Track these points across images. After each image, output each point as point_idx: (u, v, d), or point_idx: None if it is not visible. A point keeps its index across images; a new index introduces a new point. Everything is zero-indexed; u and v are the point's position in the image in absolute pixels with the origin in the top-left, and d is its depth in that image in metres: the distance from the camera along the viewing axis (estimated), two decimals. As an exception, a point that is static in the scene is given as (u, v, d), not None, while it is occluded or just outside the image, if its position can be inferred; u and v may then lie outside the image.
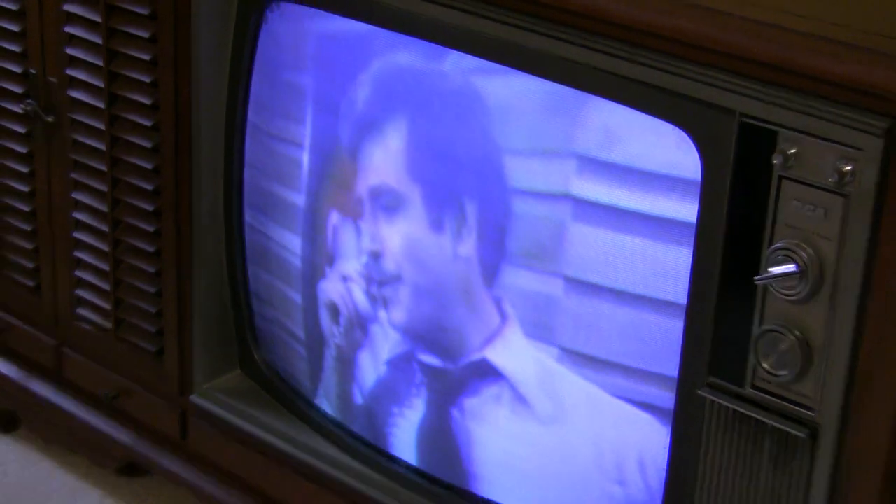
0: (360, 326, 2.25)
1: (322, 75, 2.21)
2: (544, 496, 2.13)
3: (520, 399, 2.08)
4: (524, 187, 1.98)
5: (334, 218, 2.23)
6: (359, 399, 2.32)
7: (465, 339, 2.12)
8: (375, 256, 2.18)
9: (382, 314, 2.20)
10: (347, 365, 2.31)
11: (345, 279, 2.24)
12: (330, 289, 2.27)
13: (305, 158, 2.26)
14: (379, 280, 2.19)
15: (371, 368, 2.27)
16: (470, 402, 2.15)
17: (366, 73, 2.13)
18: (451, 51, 2.01)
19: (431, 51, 2.03)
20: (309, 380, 2.39)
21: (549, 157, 1.94)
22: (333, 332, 2.29)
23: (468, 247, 2.06)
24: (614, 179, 1.88)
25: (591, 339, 1.97)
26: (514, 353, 2.06)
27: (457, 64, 2.01)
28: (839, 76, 1.62)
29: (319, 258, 2.28)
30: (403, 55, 2.09)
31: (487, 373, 2.10)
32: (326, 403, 2.38)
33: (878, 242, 1.65)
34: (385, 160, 2.12)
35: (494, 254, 2.03)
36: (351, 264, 2.22)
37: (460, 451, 2.19)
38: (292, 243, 2.32)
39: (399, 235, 2.14)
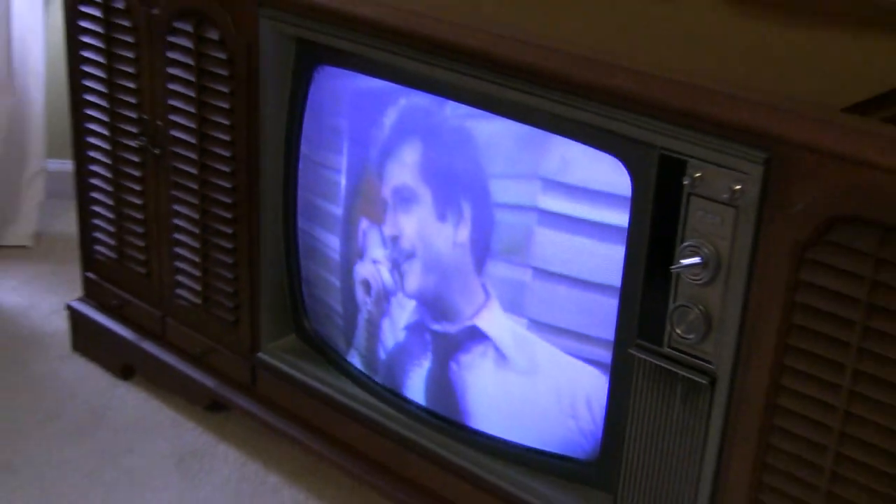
0: (385, 298, 2.23)
1: (354, 118, 2.18)
2: (519, 426, 2.11)
3: (500, 355, 2.06)
4: (502, 201, 1.97)
5: (364, 224, 2.21)
6: (382, 355, 2.29)
7: (459, 310, 2.10)
8: (395, 239, 2.16)
9: (401, 288, 2.20)
10: (374, 329, 2.28)
11: (374, 262, 2.21)
12: (363, 270, 2.24)
13: (342, 180, 2.23)
14: (398, 258, 2.17)
15: (391, 332, 2.24)
16: (464, 358, 2.12)
17: (386, 116, 2.11)
18: (449, 101, 2.00)
19: (435, 101, 2.02)
20: (343, 342, 2.37)
21: (521, 179, 1.93)
22: (366, 302, 2.27)
23: (463, 237, 2.05)
24: (569, 196, 1.88)
25: (552, 312, 1.96)
26: (495, 322, 2.04)
27: (454, 110, 2.00)
28: (731, 121, 1.62)
29: (353, 252, 2.25)
30: (414, 103, 2.07)
31: (476, 336, 2.08)
32: (357, 359, 2.35)
33: (758, 241, 1.66)
34: (403, 170, 2.11)
35: (481, 250, 2.02)
36: (378, 251, 2.20)
37: (457, 394, 2.17)
38: (333, 242, 2.30)
39: (414, 222, 2.12)
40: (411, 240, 2.14)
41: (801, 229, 1.61)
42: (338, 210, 2.27)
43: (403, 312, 2.21)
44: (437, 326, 2.16)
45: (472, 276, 2.06)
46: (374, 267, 2.22)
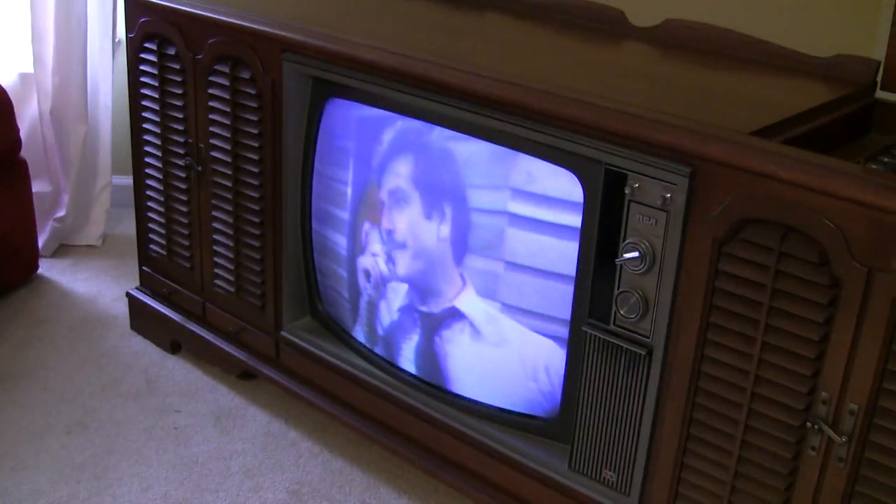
0: (382, 284, 2.21)
1: (359, 140, 2.17)
2: (491, 389, 2.10)
3: (476, 331, 2.05)
4: (478, 206, 1.96)
5: (366, 226, 2.20)
6: (380, 332, 2.27)
7: (442, 294, 2.09)
8: (390, 233, 2.15)
9: (394, 274, 2.18)
10: (374, 310, 2.26)
11: (373, 255, 2.20)
12: (365, 262, 2.23)
13: (349, 190, 2.22)
14: (392, 248, 2.16)
15: (387, 312, 2.23)
16: (446, 333, 2.11)
17: (384, 138, 2.11)
18: (435, 125, 1.99)
19: (424, 125, 2.02)
20: (350, 321, 2.35)
21: (493, 188, 1.93)
22: (366, 288, 2.25)
23: (445, 234, 2.03)
24: (533, 202, 1.87)
25: (519, 296, 1.96)
26: (471, 304, 2.04)
27: (439, 133, 1.99)
28: (662, 142, 1.63)
29: (356, 248, 2.24)
30: (407, 127, 2.06)
31: (456, 315, 2.07)
32: (361, 335, 2.34)
33: (685, 239, 1.66)
34: (397, 177, 2.10)
35: (461, 245, 2.01)
36: (377, 246, 2.19)
37: (441, 364, 2.16)
38: (340, 240, 2.28)
39: (405, 219, 2.11)
40: (403, 233, 2.13)
41: (719, 229, 1.61)
42: (345, 215, 2.25)
43: (397, 296, 2.20)
44: (423, 307, 2.14)
45: (452, 267, 2.04)
46: (373, 259, 2.21)
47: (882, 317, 1.48)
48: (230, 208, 2.46)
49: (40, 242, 3.32)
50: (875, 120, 1.97)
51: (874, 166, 1.69)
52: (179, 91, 2.47)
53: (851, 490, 1.60)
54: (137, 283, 2.92)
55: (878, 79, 1.97)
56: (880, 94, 1.99)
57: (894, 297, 1.46)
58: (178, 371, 2.77)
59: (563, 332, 1.92)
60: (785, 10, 2.49)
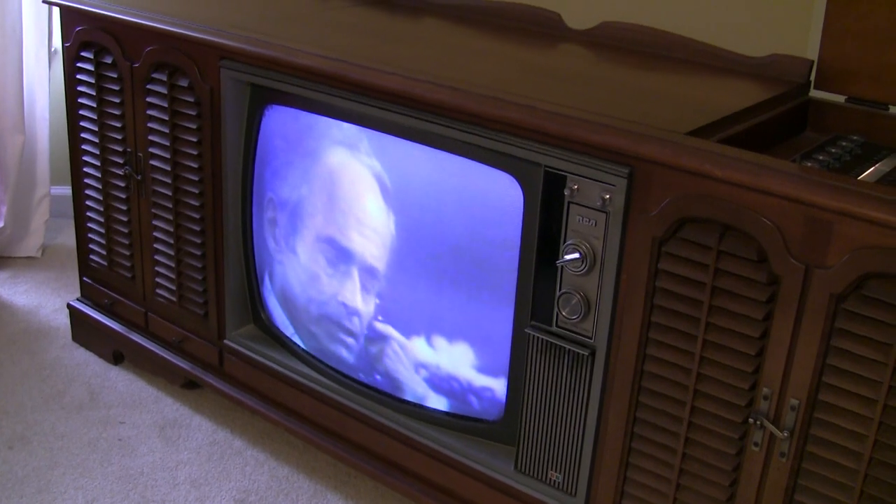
0: (323, 291, 2.21)
1: (297, 146, 2.15)
2: (435, 393, 2.13)
3: (417, 340, 2.09)
4: (418, 209, 1.94)
5: (307, 233, 2.18)
6: (324, 339, 2.26)
7: (384, 300, 2.12)
8: (330, 240, 2.13)
9: (336, 281, 2.18)
10: (317, 318, 2.26)
11: (314, 262, 2.19)
12: (305, 269, 2.22)
13: (289, 197, 2.19)
14: (334, 255, 2.14)
15: (330, 320, 2.22)
16: (389, 341, 2.13)
17: (323, 143, 2.09)
18: (373, 130, 1.98)
19: (362, 131, 2.00)
20: (292, 327, 2.35)
21: (433, 191, 1.92)
22: (308, 294, 2.24)
23: (386, 240, 2.02)
24: (472, 205, 1.88)
25: (460, 302, 1.97)
26: (411, 311, 2.06)
27: (377, 138, 1.98)
28: (600, 143, 1.63)
29: (297, 255, 2.24)
30: (345, 133, 2.05)
31: (395, 324, 2.12)
32: (302, 341, 2.32)
33: (625, 239, 1.67)
34: (336, 182, 2.08)
35: (402, 250, 2.00)
36: (317, 254, 2.18)
37: (384, 370, 2.16)
38: (281, 247, 2.26)
39: (346, 225, 2.09)
40: (344, 240, 2.11)
41: (658, 228, 1.62)
42: (285, 221, 2.23)
43: (338, 304, 2.18)
44: (366, 314, 2.13)
45: (392, 271, 2.03)
46: (313, 266, 2.19)
47: (820, 312, 1.49)
48: (171, 217, 2.42)
49: (-22, 255, 3.27)
50: (810, 118, 1.99)
51: (809, 164, 1.70)
52: (117, 100, 2.44)
53: (794, 484, 1.61)
54: (78, 295, 2.88)
55: (812, 78, 1.99)
56: (814, 93, 2.01)
57: (831, 292, 1.47)
58: (122, 382, 2.73)
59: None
60: (719, 11, 2.50)
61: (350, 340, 2.18)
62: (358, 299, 2.13)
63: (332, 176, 2.09)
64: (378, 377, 2.17)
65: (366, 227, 2.06)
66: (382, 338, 2.11)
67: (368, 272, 2.09)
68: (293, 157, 2.17)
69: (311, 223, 2.17)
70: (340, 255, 2.13)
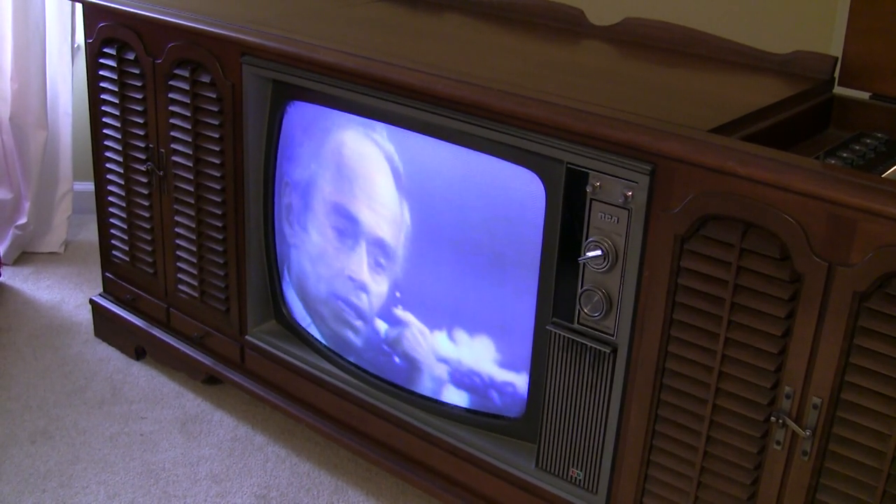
0: (347, 285, 2.22)
1: (319, 142, 2.15)
2: (456, 389, 2.14)
3: (440, 335, 2.10)
4: (440, 206, 1.95)
5: (329, 228, 2.17)
6: (346, 334, 2.26)
7: (405, 294, 2.12)
8: (355, 234, 2.14)
9: (357, 275, 2.18)
10: (339, 312, 2.27)
11: (337, 256, 2.19)
12: (327, 263, 2.22)
13: (310, 192, 2.20)
14: (355, 248, 2.14)
15: (352, 314, 2.24)
16: (409, 335, 2.13)
17: (345, 139, 2.09)
18: (396, 127, 1.98)
19: (385, 127, 2.01)
20: (315, 324, 2.34)
21: (455, 188, 1.92)
22: (331, 289, 2.24)
23: (408, 233, 2.03)
24: (495, 202, 1.88)
25: (481, 299, 1.98)
26: (433, 305, 2.06)
27: (401, 135, 1.99)
28: (622, 140, 1.63)
29: (320, 250, 2.23)
30: (368, 129, 2.05)
31: (417, 317, 2.12)
32: (326, 337, 2.32)
33: (647, 236, 1.66)
34: (359, 178, 2.08)
35: (424, 245, 2.01)
36: (341, 248, 2.18)
37: (407, 365, 2.18)
38: (305, 243, 2.27)
39: (368, 220, 2.10)
40: (366, 234, 2.12)
41: (681, 226, 1.61)
42: (307, 216, 2.23)
43: (360, 298, 2.18)
44: (388, 308, 2.14)
45: (416, 266, 2.04)
46: (336, 260, 2.20)
47: (843, 311, 1.49)
48: (192, 213, 2.43)
49: (1, 250, 3.29)
50: (833, 115, 1.98)
51: (833, 161, 1.70)
52: (139, 96, 2.45)
53: (816, 483, 1.61)
54: (101, 290, 2.89)
55: (836, 75, 1.98)
56: (838, 90, 2.00)
57: (854, 290, 1.47)
58: (143, 377, 2.75)
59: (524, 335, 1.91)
60: (743, 7, 2.50)
61: (358, 323, 2.19)
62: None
63: (354, 172, 2.10)
64: (397, 360, 2.17)
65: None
66: (402, 323, 2.11)
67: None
68: (314, 153, 2.17)
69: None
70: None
